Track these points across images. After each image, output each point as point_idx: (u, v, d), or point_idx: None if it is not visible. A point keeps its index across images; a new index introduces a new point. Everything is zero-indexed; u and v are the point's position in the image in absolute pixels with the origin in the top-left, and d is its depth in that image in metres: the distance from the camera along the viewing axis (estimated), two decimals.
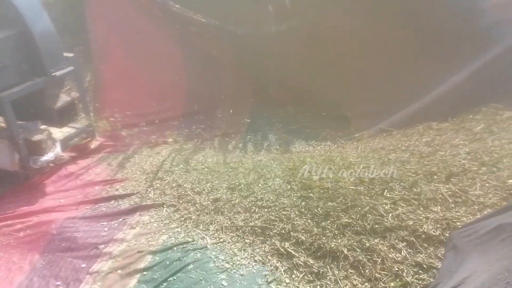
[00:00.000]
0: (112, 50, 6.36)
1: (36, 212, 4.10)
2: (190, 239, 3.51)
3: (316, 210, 3.45)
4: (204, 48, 6.55)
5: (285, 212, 3.54)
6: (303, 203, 3.59)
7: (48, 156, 4.45)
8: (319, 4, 6.06)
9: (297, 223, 3.39)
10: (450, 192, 3.23)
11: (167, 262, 3.26)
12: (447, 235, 2.85)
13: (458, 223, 2.91)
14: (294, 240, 3.26)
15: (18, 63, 4.28)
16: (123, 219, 3.92)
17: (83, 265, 3.38)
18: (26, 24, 4.21)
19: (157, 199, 4.18)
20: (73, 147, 5.14)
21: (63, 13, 7.36)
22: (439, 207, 3.13)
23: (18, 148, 4.28)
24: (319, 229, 3.26)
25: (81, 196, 4.37)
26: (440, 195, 3.22)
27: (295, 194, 3.75)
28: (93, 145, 5.36)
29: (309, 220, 3.38)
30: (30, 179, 4.51)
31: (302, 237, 3.24)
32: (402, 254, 2.87)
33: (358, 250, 3.00)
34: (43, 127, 4.74)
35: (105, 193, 4.40)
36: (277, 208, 3.62)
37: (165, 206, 4.06)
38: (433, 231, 2.93)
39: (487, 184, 3.21)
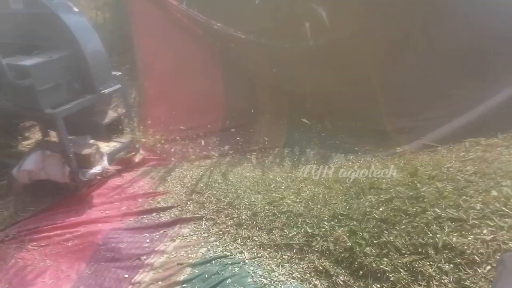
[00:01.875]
0: (156, 69, 6.63)
1: (83, 222, 4.28)
2: (228, 253, 3.53)
3: (357, 228, 3.37)
4: (242, 63, 6.68)
5: (324, 229, 3.49)
6: (344, 220, 3.52)
7: (96, 169, 4.65)
8: (357, 17, 6.01)
9: (336, 241, 3.32)
10: (501, 212, 3.05)
11: (206, 276, 3.30)
12: (498, 257, 2.68)
13: (511, 245, 2.74)
14: (334, 258, 3.20)
15: (71, 82, 4.54)
16: (164, 231, 4.02)
17: (126, 276, 3.48)
18: (78, 45, 4.47)
19: (196, 212, 4.26)
20: (118, 160, 5.37)
21: (111, 34, 7.83)
22: (489, 227, 2.96)
23: (69, 161, 4.52)
24: (360, 247, 3.18)
25: (125, 208, 4.53)
26: (490, 215, 3.04)
27: (335, 211, 3.69)
28: (137, 158, 5.57)
29: (349, 238, 3.31)
30: (79, 191, 4.73)
31: (342, 255, 3.18)
32: (449, 276, 2.73)
33: (401, 270, 2.89)
34: (91, 141, 4.98)
35: (148, 205, 4.54)
36: (316, 225, 3.58)
37: (204, 219, 4.12)
38: (483, 253, 2.77)
39: None
